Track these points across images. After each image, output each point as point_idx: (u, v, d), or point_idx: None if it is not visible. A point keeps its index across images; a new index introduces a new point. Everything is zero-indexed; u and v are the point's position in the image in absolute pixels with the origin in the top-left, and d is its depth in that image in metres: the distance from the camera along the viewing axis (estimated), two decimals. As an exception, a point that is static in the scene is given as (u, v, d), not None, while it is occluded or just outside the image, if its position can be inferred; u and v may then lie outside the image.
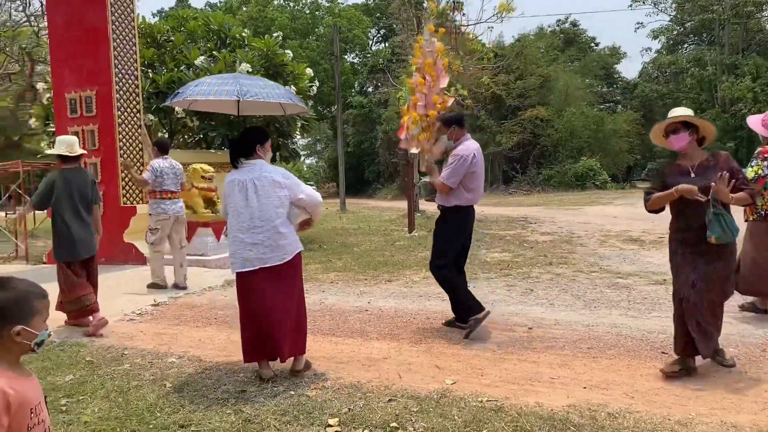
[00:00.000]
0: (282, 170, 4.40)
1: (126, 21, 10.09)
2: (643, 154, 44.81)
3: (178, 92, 5.04)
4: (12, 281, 1.98)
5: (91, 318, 5.93)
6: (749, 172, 5.41)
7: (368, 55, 55.12)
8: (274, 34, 12.19)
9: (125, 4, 10.08)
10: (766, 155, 5.44)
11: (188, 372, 4.62)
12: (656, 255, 9.88)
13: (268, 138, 4.54)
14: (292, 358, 4.47)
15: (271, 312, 4.25)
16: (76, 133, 10.08)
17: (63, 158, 6.05)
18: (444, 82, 6.57)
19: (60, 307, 6.01)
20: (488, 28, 43.35)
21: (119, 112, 9.88)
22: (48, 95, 12.73)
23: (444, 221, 5.63)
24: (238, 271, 4.27)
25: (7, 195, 12.31)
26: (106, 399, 4.14)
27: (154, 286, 7.92)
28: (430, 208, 21.21)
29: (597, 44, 49.44)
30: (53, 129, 12.07)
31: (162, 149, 8.00)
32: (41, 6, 19.28)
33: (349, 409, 3.76)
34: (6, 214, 13.33)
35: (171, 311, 6.70)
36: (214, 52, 11.64)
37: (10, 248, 12.70)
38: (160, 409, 3.93)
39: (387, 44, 56.77)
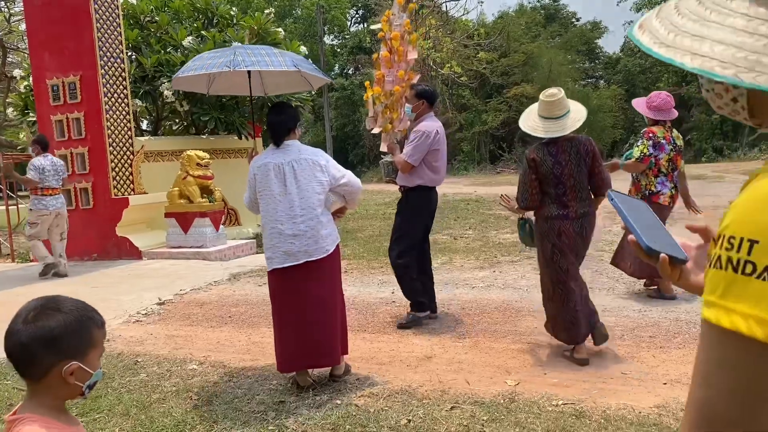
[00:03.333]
0: (321, 151, 3.92)
1: (109, 1, 9.42)
2: (626, 128, 44.68)
3: (177, 74, 4.50)
4: (65, 302, 1.46)
5: None
6: (635, 151, 5.41)
7: (347, 36, 54.20)
8: (266, 11, 11.57)
9: (107, -19, 9.41)
10: (650, 135, 5.41)
11: (213, 380, 4.17)
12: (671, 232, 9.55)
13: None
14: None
15: (315, 312, 3.77)
16: (60, 122, 9.46)
17: None
18: (412, 56, 6.31)
19: None
20: (479, 2, 42.60)
21: (106, 98, 9.25)
22: (25, 83, 12.00)
23: (406, 203, 5.21)
24: (277, 267, 3.78)
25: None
26: (126, 416, 3.67)
27: (47, 269, 8.11)
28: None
29: (578, 19, 49.00)
30: (33, 119, 11.39)
31: (43, 147, 8.13)
32: (11, -10, 18.33)
33: (409, 420, 3.33)
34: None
35: (179, 310, 6.20)
36: (202, 32, 10.99)
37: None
38: (191, 426, 3.48)
39: (366, 24, 55.91)
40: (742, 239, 0.69)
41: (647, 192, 5.48)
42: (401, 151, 5.16)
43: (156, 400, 3.88)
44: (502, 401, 3.48)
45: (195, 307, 6.25)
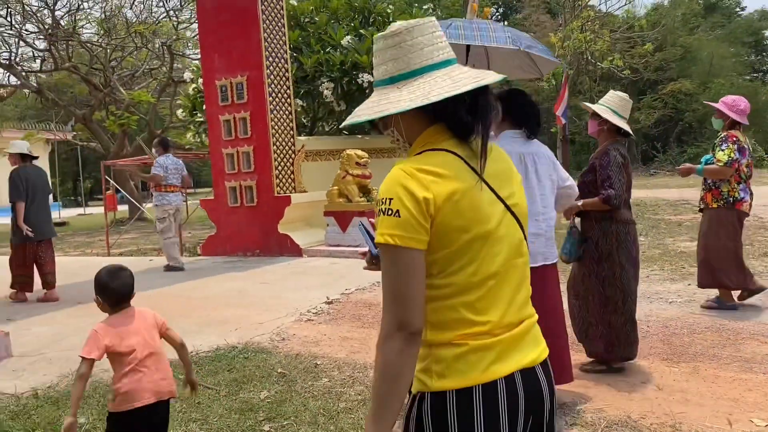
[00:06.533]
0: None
1: (275, 1, 9.62)
2: (799, 127, 40.25)
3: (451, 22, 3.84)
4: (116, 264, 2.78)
5: (27, 294, 7.14)
6: (721, 155, 5.04)
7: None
8: (424, 7, 11.36)
9: (273, -17, 9.61)
10: (735, 139, 5.09)
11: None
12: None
13: None
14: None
15: (552, 322, 3.35)
16: (227, 122, 9.79)
17: (23, 157, 7.01)
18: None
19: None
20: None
21: (271, 98, 9.44)
22: (193, 86, 12.64)
23: None
24: None
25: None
26: (314, 425, 3.48)
27: (171, 268, 8.63)
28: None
29: (743, 8, 44.86)
30: (200, 119, 11.95)
31: (164, 147, 8.81)
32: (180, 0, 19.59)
33: (641, 459, 2.84)
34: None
35: (348, 310, 6.05)
36: (360, 31, 10.98)
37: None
38: (386, 443, 3.19)
39: (507, 22, 54.76)
40: (385, 198, 1.33)
41: (731, 199, 5.16)
42: None
43: (343, 409, 3.67)
44: (755, 447, 2.88)
45: (363, 308, 6.07)
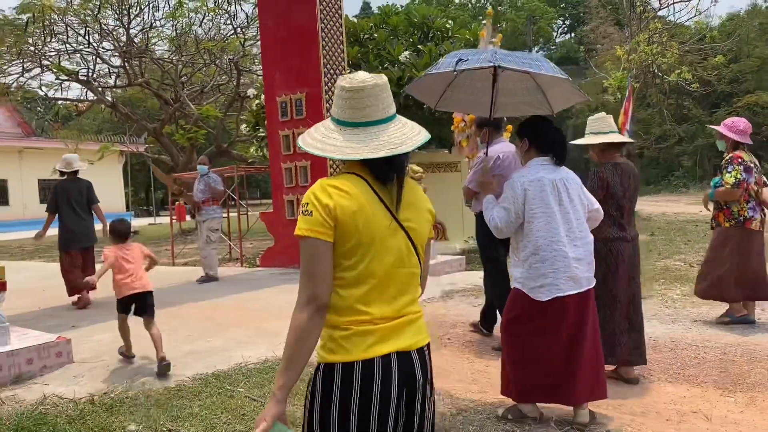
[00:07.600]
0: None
1: (334, 19, 9.80)
2: None
3: (429, 70, 3.90)
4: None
5: (84, 295, 7.60)
6: (728, 178, 5.25)
7: (553, 47, 52.69)
8: (483, 22, 11.33)
9: (333, 1, 9.79)
10: (740, 160, 5.29)
11: (440, 411, 3.86)
12: None
13: None
14: (572, 407, 3.53)
15: (597, 343, 3.47)
16: (286, 137, 10.01)
17: (61, 172, 7.86)
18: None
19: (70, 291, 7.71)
20: (713, 3, 38.65)
21: (328, 114, 9.59)
22: (257, 102, 12.99)
23: (479, 228, 5.19)
24: (560, 295, 3.32)
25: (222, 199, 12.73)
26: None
27: (209, 278, 9.20)
28: (647, 208, 19.17)
29: (827, 17, 42.58)
30: (263, 134, 12.26)
31: (211, 162, 9.71)
32: (246, 17, 20.23)
33: (685, 494, 2.73)
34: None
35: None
36: (419, 46, 11.06)
37: (224, 250, 13.15)
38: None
39: (574, 34, 53.92)
40: (304, 203, 1.73)
41: (741, 218, 5.36)
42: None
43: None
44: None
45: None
